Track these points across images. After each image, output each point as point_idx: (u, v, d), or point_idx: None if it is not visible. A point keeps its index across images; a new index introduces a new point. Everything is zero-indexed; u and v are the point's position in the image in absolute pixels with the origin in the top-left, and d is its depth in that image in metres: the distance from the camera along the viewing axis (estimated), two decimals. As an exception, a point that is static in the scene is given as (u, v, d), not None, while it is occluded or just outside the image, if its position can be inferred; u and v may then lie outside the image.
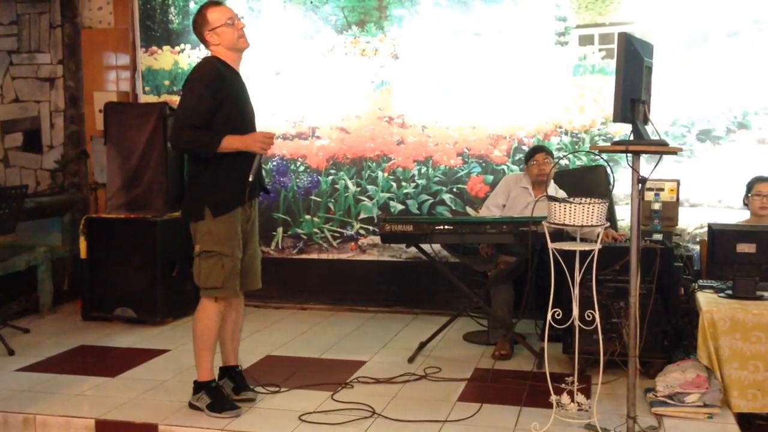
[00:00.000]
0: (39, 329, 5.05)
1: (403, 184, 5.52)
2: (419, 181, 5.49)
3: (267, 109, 5.70)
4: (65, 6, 6.07)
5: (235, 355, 3.67)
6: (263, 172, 3.93)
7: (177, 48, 5.88)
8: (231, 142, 3.27)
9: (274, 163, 5.73)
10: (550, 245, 3.20)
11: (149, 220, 5.16)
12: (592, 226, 3.15)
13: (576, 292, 3.21)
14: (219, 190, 3.34)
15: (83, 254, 5.28)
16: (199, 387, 3.47)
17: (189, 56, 5.83)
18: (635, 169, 3.06)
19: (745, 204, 4.40)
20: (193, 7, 5.80)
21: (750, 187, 4.34)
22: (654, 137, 3.15)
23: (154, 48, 5.92)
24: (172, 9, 5.88)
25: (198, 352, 3.44)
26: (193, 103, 3.26)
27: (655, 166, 3.13)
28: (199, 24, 3.38)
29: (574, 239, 3.33)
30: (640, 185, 3.06)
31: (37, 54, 6.18)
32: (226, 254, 3.33)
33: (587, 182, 4.86)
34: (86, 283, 5.29)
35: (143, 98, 5.95)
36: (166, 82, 5.91)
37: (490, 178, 5.33)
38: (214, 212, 3.33)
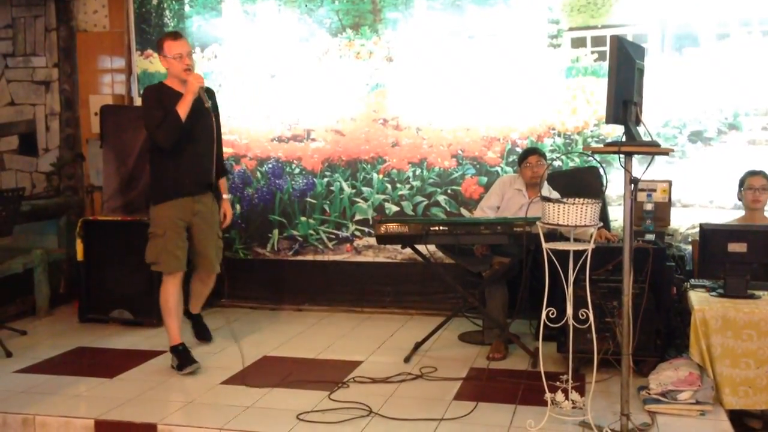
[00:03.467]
0: (36, 331, 5.06)
1: (398, 185, 5.56)
2: (414, 183, 5.53)
3: (262, 111, 5.75)
4: (60, 9, 6.09)
5: (199, 307, 4.61)
6: (212, 173, 4.29)
7: (172, 51, 5.89)
8: (182, 105, 3.96)
9: (270, 166, 5.76)
10: (544, 245, 3.24)
11: (145, 223, 5.13)
12: (585, 226, 3.19)
13: (570, 292, 3.25)
14: (156, 184, 4.18)
15: (80, 256, 5.30)
16: (171, 350, 4.16)
17: (184, 59, 5.85)
18: (627, 170, 3.10)
19: (740, 200, 4.44)
20: (188, 10, 5.84)
21: (742, 181, 4.38)
22: (646, 138, 3.19)
23: (150, 51, 5.94)
24: (167, 12, 5.90)
25: (164, 321, 4.18)
26: (148, 113, 4.04)
27: (647, 167, 3.18)
28: (158, 49, 4.14)
29: (567, 240, 3.37)
30: (632, 186, 3.11)
31: (33, 57, 6.20)
32: (158, 234, 4.11)
33: (580, 183, 4.90)
34: (83, 286, 5.31)
35: (139, 101, 5.97)
36: (162, 85, 5.93)
37: (485, 179, 5.38)
38: (154, 200, 4.16)
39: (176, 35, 4.12)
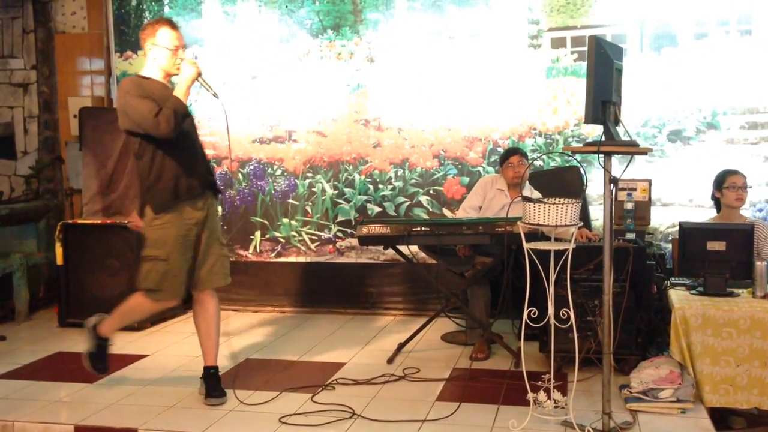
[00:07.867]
0: (15, 336, 5.01)
1: (380, 186, 5.56)
2: (396, 184, 5.53)
3: (243, 113, 5.71)
4: (38, 11, 6.04)
5: (211, 354, 3.71)
6: (213, 170, 3.93)
7: (152, 52, 5.85)
8: (180, 90, 3.39)
9: (251, 167, 5.73)
10: (526, 245, 3.25)
11: (125, 226, 5.13)
12: (566, 225, 3.20)
13: (551, 292, 3.26)
14: (157, 188, 3.46)
15: (59, 260, 5.25)
16: (96, 336, 3.76)
17: (164, 61, 5.81)
18: (607, 170, 3.12)
19: (714, 200, 4.43)
20: (168, 12, 5.80)
21: (720, 181, 4.33)
22: (625, 138, 3.21)
23: (129, 53, 5.90)
24: (146, 14, 5.86)
25: (114, 316, 3.73)
26: (139, 103, 3.36)
27: (627, 166, 3.20)
28: (147, 33, 3.48)
29: (548, 239, 3.38)
30: (612, 185, 3.12)
31: (10, 59, 6.14)
32: (160, 258, 3.48)
33: (561, 183, 4.92)
34: (62, 290, 5.25)
35: (118, 103, 5.92)
36: (142, 87, 5.88)
37: (466, 179, 5.38)
38: (155, 210, 3.47)
39: (174, 24, 3.49)
